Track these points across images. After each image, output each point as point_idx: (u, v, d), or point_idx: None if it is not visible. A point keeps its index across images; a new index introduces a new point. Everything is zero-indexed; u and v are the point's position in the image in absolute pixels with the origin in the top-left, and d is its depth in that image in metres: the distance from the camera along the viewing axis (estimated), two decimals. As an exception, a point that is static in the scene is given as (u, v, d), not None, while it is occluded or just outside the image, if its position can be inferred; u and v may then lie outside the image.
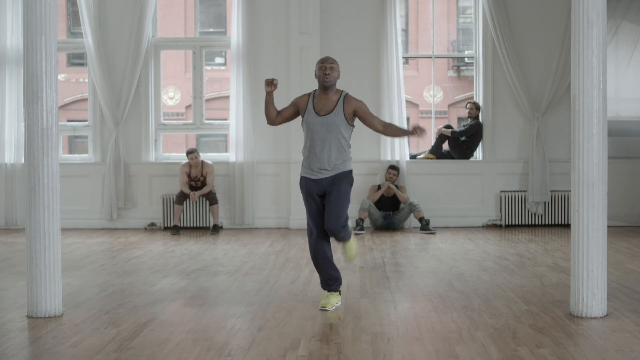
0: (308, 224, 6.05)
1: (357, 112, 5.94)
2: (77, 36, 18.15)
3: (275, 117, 6.04)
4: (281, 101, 11.33)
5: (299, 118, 6.11)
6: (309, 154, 5.95)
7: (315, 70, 6.00)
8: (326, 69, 5.91)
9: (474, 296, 6.35)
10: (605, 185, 5.56)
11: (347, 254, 6.25)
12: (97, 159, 11.55)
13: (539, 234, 10.51)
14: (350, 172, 6.01)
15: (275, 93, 11.23)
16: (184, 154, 11.54)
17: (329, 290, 6.02)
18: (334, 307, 5.91)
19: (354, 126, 6.00)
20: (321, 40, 11.23)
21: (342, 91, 6.02)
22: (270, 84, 5.91)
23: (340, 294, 6.08)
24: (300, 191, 6.18)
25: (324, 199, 5.96)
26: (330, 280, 6.01)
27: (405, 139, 11.24)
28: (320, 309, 5.87)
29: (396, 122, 11.12)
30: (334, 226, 5.89)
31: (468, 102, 11.71)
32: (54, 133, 5.72)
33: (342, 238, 6.03)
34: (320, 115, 5.90)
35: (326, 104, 5.92)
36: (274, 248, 9.29)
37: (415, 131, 5.91)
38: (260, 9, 11.38)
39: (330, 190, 5.91)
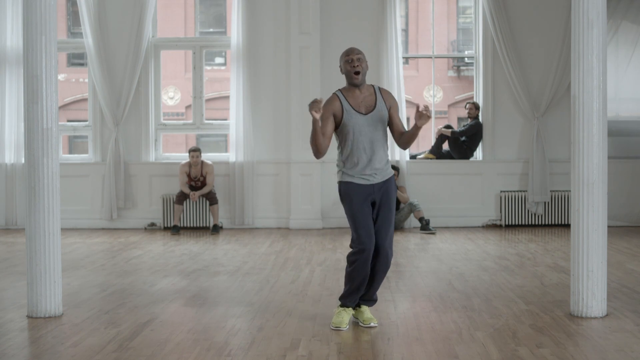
0: (359, 239, 5.17)
1: (390, 111, 5.30)
2: (77, 36, 18.15)
3: (325, 146, 5.17)
4: (282, 102, 11.41)
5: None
6: (358, 161, 5.19)
7: (340, 66, 5.27)
8: (353, 61, 5.17)
9: (474, 296, 6.35)
10: (605, 185, 5.56)
11: (369, 316, 5.42)
12: (97, 159, 11.55)
13: (539, 234, 10.51)
14: (394, 175, 5.41)
15: (275, 95, 11.41)
16: (184, 154, 11.54)
17: (347, 306, 5.37)
18: (347, 327, 5.33)
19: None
20: (321, 40, 11.24)
21: (372, 85, 5.36)
22: (319, 107, 4.96)
23: (353, 309, 5.46)
24: (342, 200, 5.28)
25: (374, 208, 5.25)
26: (357, 295, 5.35)
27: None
28: (334, 329, 5.29)
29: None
30: (390, 244, 5.24)
31: (467, 102, 11.71)
32: (54, 133, 5.72)
33: (391, 259, 5.30)
34: (364, 114, 5.19)
35: (364, 100, 5.23)
36: (274, 248, 9.29)
37: (418, 120, 5.11)
38: (260, 9, 11.38)
39: (382, 201, 5.23)
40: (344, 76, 5.33)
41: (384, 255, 5.26)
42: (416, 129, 5.16)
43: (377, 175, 5.23)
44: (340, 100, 5.24)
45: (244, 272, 7.59)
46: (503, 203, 11.36)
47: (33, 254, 5.70)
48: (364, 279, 5.29)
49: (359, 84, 5.23)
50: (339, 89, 5.34)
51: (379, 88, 5.36)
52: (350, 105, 5.22)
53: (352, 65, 5.18)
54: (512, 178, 11.45)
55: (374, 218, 5.26)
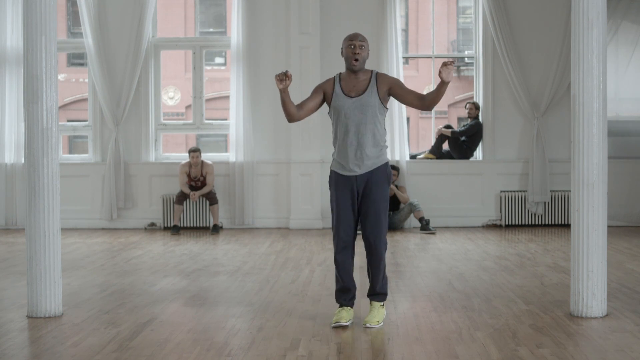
0: (337, 231, 5.31)
1: (393, 89, 5.28)
2: (77, 36, 18.14)
3: (296, 112, 5.24)
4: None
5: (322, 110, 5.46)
6: (342, 144, 5.27)
7: (341, 49, 5.32)
8: (355, 47, 5.21)
9: (474, 296, 6.35)
10: (605, 185, 5.56)
11: (372, 317, 5.38)
12: (97, 159, 11.55)
13: (539, 234, 10.51)
14: (387, 164, 5.34)
15: (275, 95, 11.37)
16: (184, 154, 11.54)
17: (343, 305, 5.42)
18: (349, 322, 5.34)
19: (387, 109, 5.38)
20: (321, 40, 11.24)
21: (371, 70, 5.36)
22: (283, 79, 5.03)
23: (352, 308, 5.47)
24: (329, 186, 5.41)
25: (358, 201, 5.30)
26: (347, 292, 5.41)
27: (405, 138, 11.23)
28: (335, 326, 5.30)
29: (396, 122, 11.14)
30: (376, 236, 5.26)
31: (468, 102, 11.72)
32: (54, 133, 5.72)
33: (381, 253, 5.29)
34: (351, 97, 5.25)
35: (357, 84, 5.27)
36: (274, 248, 9.29)
37: (441, 73, 5.01)
38: (260, 9, 11.38)
39: (368, 193, 5.25)
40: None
41: (374, 248, 5.31)
42: (441, 85, 5.06)
43: (363, 165, 5.26)
44: (334, 82, 5.35)
45: (244, 272, 7.59)
46: (503, 203, 11.36)
47: (33, 254, 5.69)
48: (346, 272, 5.38)
49: (356, 70, 5.28)
50: (339, 73, 5.43)
51: (377, 74, 5.35)
52: (341, 89, 5.30)
53: (354, 51, 5.23)
54: (512, 178, 11.45)
55: (358, 209, 5.33)
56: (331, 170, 5.41)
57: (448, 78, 5.02)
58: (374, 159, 5.29)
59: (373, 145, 5.27)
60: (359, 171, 5.28)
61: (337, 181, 5.33)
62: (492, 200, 11.44)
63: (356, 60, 5.23)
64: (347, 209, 5.30)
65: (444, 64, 5.01)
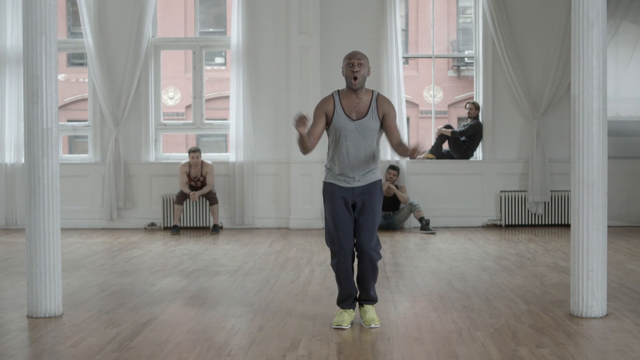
0: (333, 238, 5.31)
1: (385, 118, 5.29)
2: (77, 36, 18.13)
3: (312, 146, 5.26)
4: (282, 102, 11.40)
5: None
6: (339, 163, 5.28)
7: (342, 68, 5.29)
8: (354, 65, 5.20)
9: (474, 296, 6.35)
10: (605, 185, 5.56)
11: (371, 316, 5.42)
12: (97, 159, 11.56)
13: (539, 234, 10.51)
14: (381, 180, 5.43)
15: (275, 95, 11.40)
16: (184, 154, 11.54)
17: (345, 308, 5.43)
18: (349, 326, 5.37)
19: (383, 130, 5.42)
20: (321, 40, 11.24)
21: (372, 90, 5.36)
22: (303, 123, 5.00)
23: (353, 310, 5.49)
24: (323, 198, 5.40)
25: (354, 211, 5.32)
26: (350, 298, 5.43)
27: (405, 138, 11.23)
28: (335, 328, 5.32)
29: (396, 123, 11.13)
30: (372, 248, 5.30)
31: (468, 102, 11.72)
32: (54, 133, 5.72)
33: (376, 261, 5.35)
34: (353, 120, 5.23)
35: (358, 105, 5.26)
36: (274, 248, 9.29)
37: (413, 153, 5.12)
38: (260, 9, 11.38)
39: (364, 203, 5.28)
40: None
41: (368, 257, 5.33)
42: (411, 151, 5.15)
43: (360, 179, 5.29)
44: (334, 101, 5.30)
45: (244, 272, 7.59)
46: (503, 203, 11.36)
47: (33, 254, 5.69)
48: (348, 280, 5.38)
49: (355, 88, 5.26)
50: (338, 90, 5.40)
51: (378, 95, 5.36)
52: (342, 109, 5.27)
53: (352, 70, 5.21)
54: (512, 178, 11.45)
55: (355, 219, 5.34)
56: (327, 183, 5.38)
57: (412, 156, 5.15)
58: (371, 174, 5.33)
59: (371, 164, 5.32)
60: (357, 184, 5.30)
61: (334, 192, 5.31)
62: (492, 200, 11.44)
63: (355, 78, 5.20)
64: (346, 218, 5.29)
65: (415, 151, 5.05)
